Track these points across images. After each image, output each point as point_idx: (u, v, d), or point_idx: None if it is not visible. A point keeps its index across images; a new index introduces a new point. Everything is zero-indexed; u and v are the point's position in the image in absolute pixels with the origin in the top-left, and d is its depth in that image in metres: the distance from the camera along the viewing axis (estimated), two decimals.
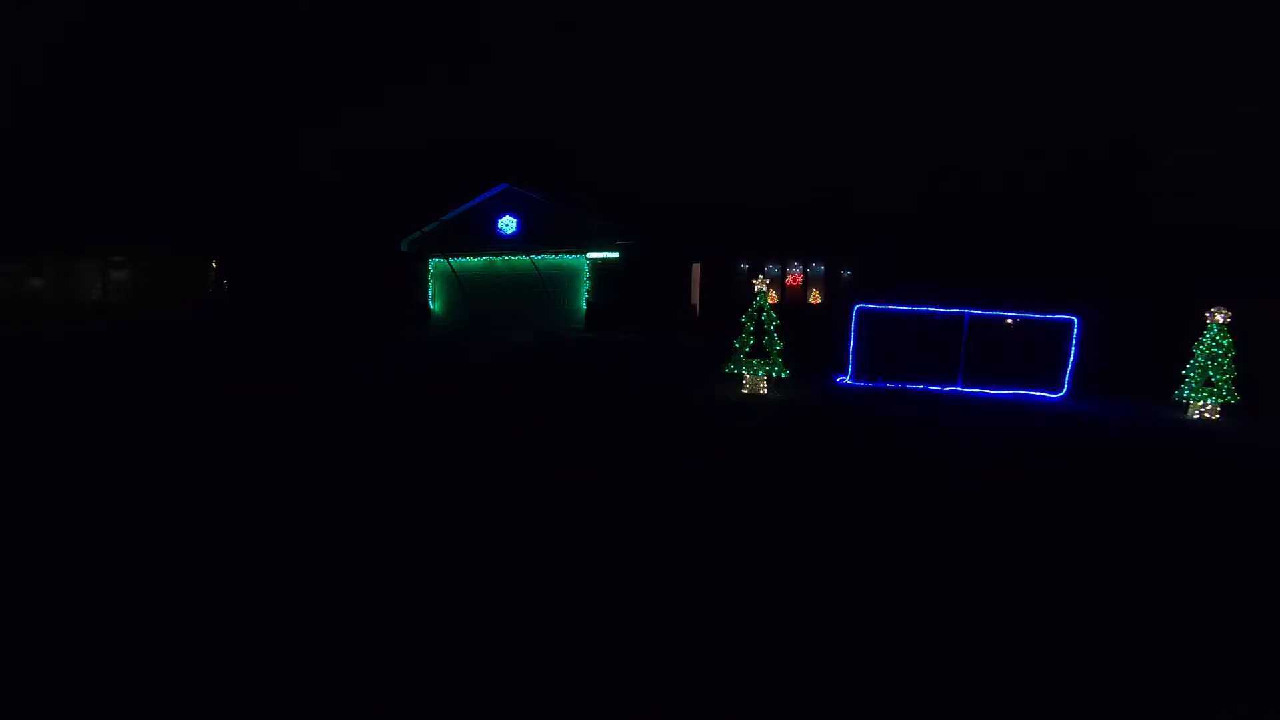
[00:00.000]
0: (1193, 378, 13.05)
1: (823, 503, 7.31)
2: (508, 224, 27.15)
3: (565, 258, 26.93)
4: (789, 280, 27.36)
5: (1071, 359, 14.41)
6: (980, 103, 37.42)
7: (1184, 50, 42.12)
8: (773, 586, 5.31)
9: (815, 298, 27.24)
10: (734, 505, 7.13)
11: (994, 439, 10.72)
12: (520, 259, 27.36)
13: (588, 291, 26.76)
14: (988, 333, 14.91)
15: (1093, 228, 25.71)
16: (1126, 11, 46.31)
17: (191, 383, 14.08)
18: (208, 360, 17.51)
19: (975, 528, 6.76)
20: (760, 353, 14.08)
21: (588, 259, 26.59)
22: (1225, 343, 12.97)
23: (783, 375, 14.09)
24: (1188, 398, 13.09)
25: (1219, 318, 13.11)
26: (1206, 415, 12.90)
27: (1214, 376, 12.90)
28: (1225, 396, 12.84)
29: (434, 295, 28.89)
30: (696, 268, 27.87)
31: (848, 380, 15.28)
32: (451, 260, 28.12)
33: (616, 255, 26.14)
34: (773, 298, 20.87)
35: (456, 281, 28.28)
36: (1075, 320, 14.47)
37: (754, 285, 14.52)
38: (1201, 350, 13.09)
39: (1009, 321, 14.97)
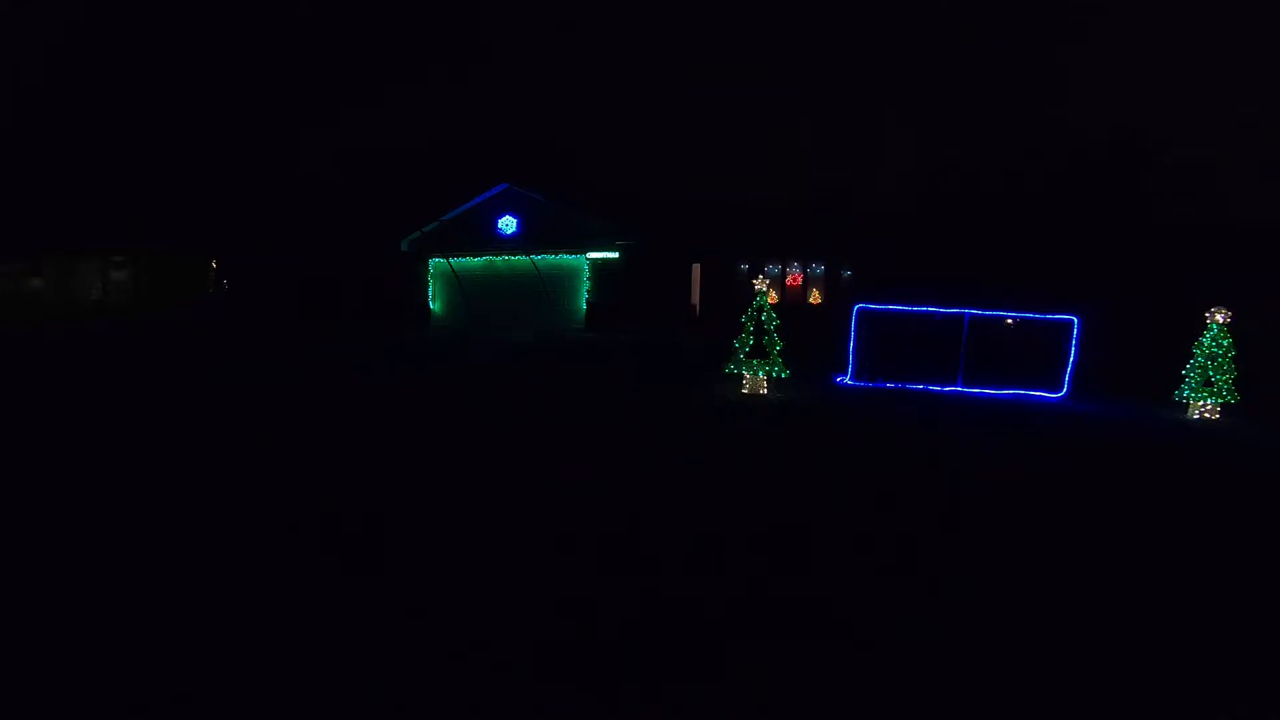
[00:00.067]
0: (1193, 378, 13.05)
1: (823, 503, 7.31)
2: (508, 224, 27.15)
3: (565, 258, 26.94)
4: (789, 280, 27.36)
5: (1071, 359, 14.41)
6: (980, 103, 37.43)
7: (1184, 50, 42.14)
8: (773, 586, 5.31)
9: (815, 298, 27.25)
10: (734, 505, 7.13)
11: (994, 439, 10.72)
12: (520, 259, 27.37)
13: (588, 291, 26.76)
14: (988, 333, 14.91)
15: (1093, 228, 25.71)
16: (1126, 11, 46.33)
17: (191, 383, 14.08)
18: (208, 360, 17.51)
19: (975, 528, 6.76)
20: (760, 353, 14.08)
21: (588, 259, 26.59)
22: (1225, 343, 12.97)
23: (783, 375, 14.09)
24: (1188, 398, 13.09)
25: (1219, 318, 13.11)
26: (1206, 415, 12.90)
27: (1214, 376, 12.90)
28: (1225, 396, 12.84)
29: (434, 295, 28.89)
30: (696, 268, 27.87)
31: (848, 380, 15.28)
32: (451, 260, 28.12)
33: (616, 255, 26.14)
34: (773, 298, 20.88)
35: (456, 281, 28.29)
36: (1075, 320, 14.47)
37: (754, 285, 14.52)
38: (1201, 350, 13.09)
39: (1009, 321, 14.97)
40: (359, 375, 15.42)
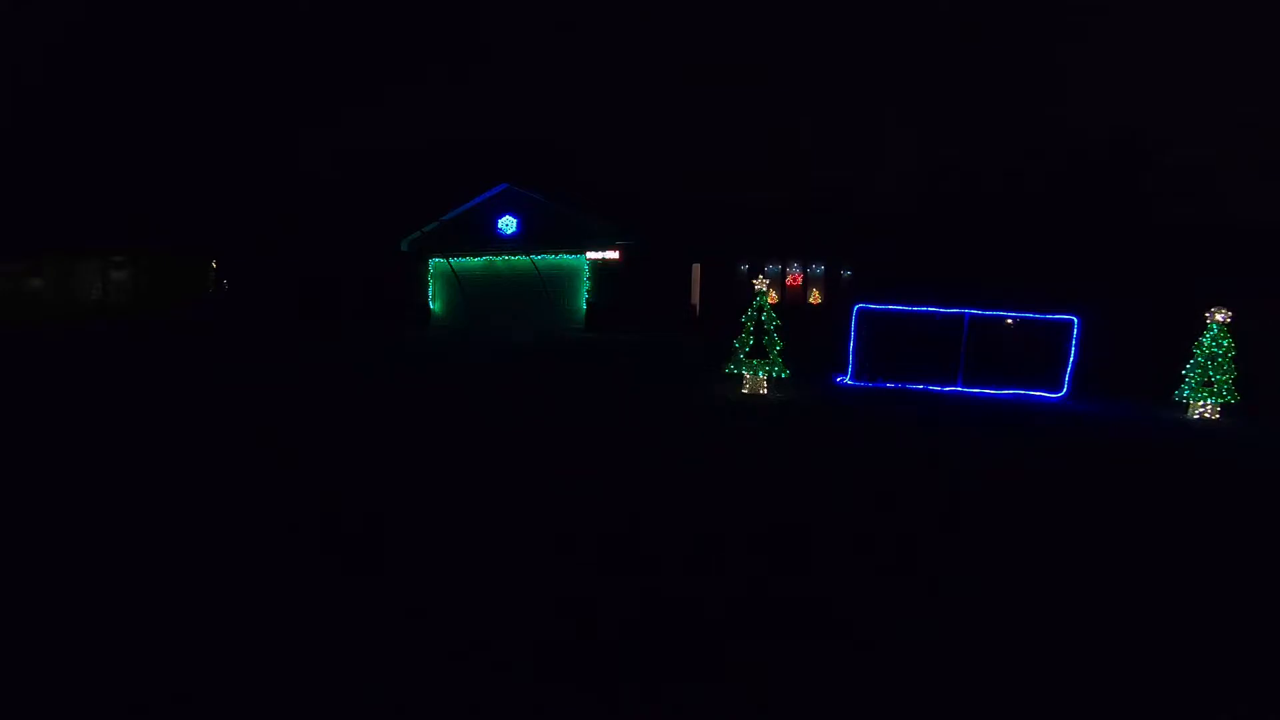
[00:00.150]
0: (1193, 378, 13.05)
1: (823, 503, 7.31)
2: (508, 224, 27.15)
3: (565, 258, 26.93)
4: (789, 280, 27.36)
5: (1071, 359, 14.41)
6: (980, 103, 37.43)
7: (1184, 50, 42.14)
8: (773, 586, 5.31)
9: (815, 298, 27.25)
10: (734, 505, 7.13)
11: (994, 439, 10.72)
12: (520, 259, 27.37)
13: (588, 291, 26.76)
14: (988, 333, 14.91)
15: (1093, 228, 25.71)
16: (1126, 11, 46.33)
17: (191, 383, 14.08)
18: (208, 360, 17.51)
19: (975, 528, 6.76)
20: (760, 353, 14.08)
21: (588, 259, 26.59)
22: (1225, 343, 12.97)
23: (783, 375, 14.09)
24: (1188, 398, 13.09)
25: (1219, 318, 13.11)
26: (1206, 415, 12.90)
27: (1214, 376, 12.90)
28: (1225, 396, 12.84)
29: (434, 295, 28.89)
30: (696, 268, 27.87)
31: (848, 380, 15.28)
32: (451, 260, 28.12)
33: (616, 255, 26.14)
34: (773, 298, 20.88)
35: (456, 281, 28.29)
36: (1075, 320, 14.47)
37: (754, 285, 14.52)
38: (1201, 350, 13.10)
39: (1009, 321, 14.97)
40: (359, 375, 15.42)
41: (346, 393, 13.25)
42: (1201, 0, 42.60)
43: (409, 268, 28.86)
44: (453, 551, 5.84)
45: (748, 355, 14.09)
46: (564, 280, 27.10)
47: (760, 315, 14.17)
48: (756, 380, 13.97)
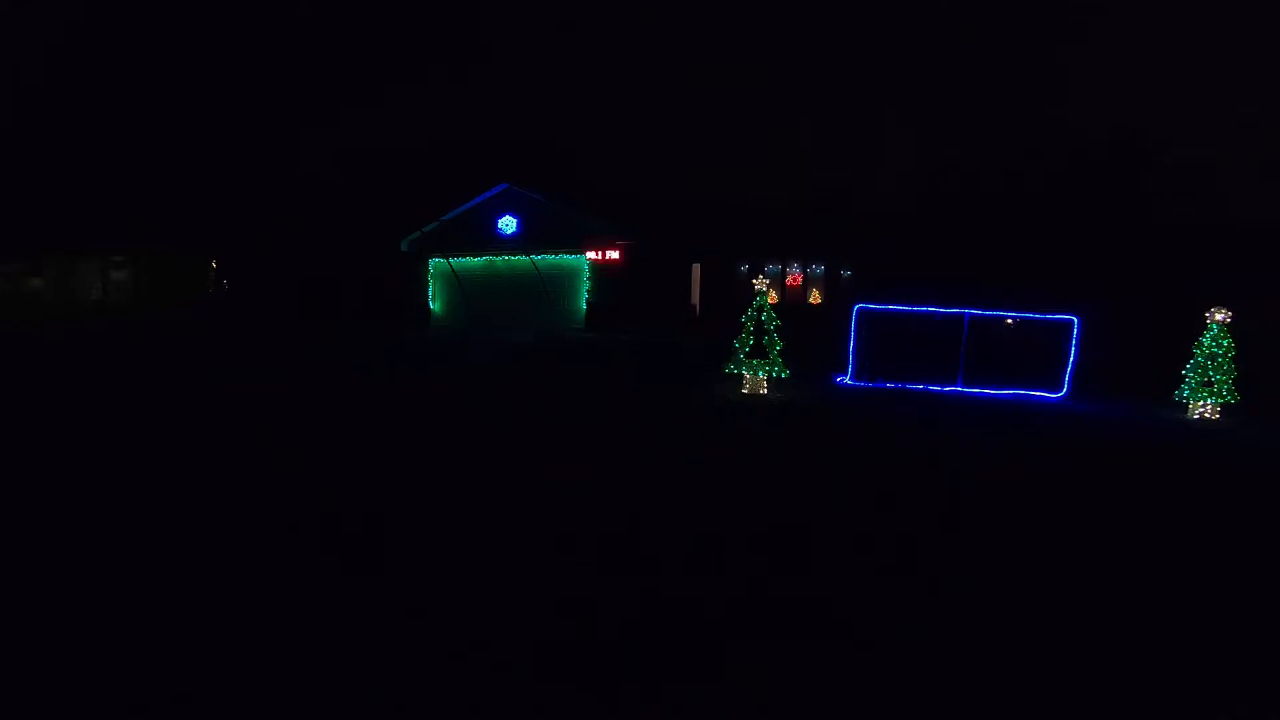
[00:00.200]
0: (1193, 378, 13.05)
1: (823, 503, 7.31)
2: (508, 224, 27.16)
3: (565, 258, 26.94)
4: (789, 280, 27.36)
5: (1071, 359, 14.40)
6: (980, 103, 37.43)
7: (1184, 50, 42.14)
8: (773, 586, 5.31)
9: (815, 298, 27.24)
10: (734, 505, 7.13)
11: (994, 439, 10.72)
12: (520, 259, 27.37)
13: (588, 291, 26.76)
14: (988, 333, 14.91)
15: (1093, 228, 25.71)
16: (1126, 11, 46.34)
17: (191, 383, 14.08)
18: (208, 360, 17.51)
19: (975, 528, 6.76)
20: (760, 353, 14.07)
21: (588, 259, 26.59)
22: (1225, 343, 12.96)
23: (783, 375, 14.09)
24: (1188, 398, 13.09)
25: (1219, 318, 13.11)
26: (1206, 415, 12.90)
27: (1214, 376, 12.90)
28: (1225, 396, 12.84)
29: (434, 295, 28.90)
30: (696, 268, 27.86)
31: (848, 380, 15.28)
32: (451, 260, 28.12)
33: (616, 255, 26.14)
34: (773, 298, 20.88)
35: (456, 281, 28.29)
36: (1075, 320, 14.47)
37: (754, 285, 14.52)
38: (1201, 350, 13.09)
39: (1009, 321, 14.97)
40: (359, 375, 15.42)
41: (346, 393, 13.25)
42: (1201, 0, 42.62)
43: (409, 268, 28.86)
44: (453, 551, 5.84)
45: (748, 355, 14.09)
46: (564, 280, 27.10)
47: (760, 315, 14.17)
48: (756, 380, 13.97)
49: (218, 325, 26.74)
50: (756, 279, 14.74)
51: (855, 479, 8.27)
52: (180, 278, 33.18)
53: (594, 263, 26.53)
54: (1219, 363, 12.90)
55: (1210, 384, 12.93)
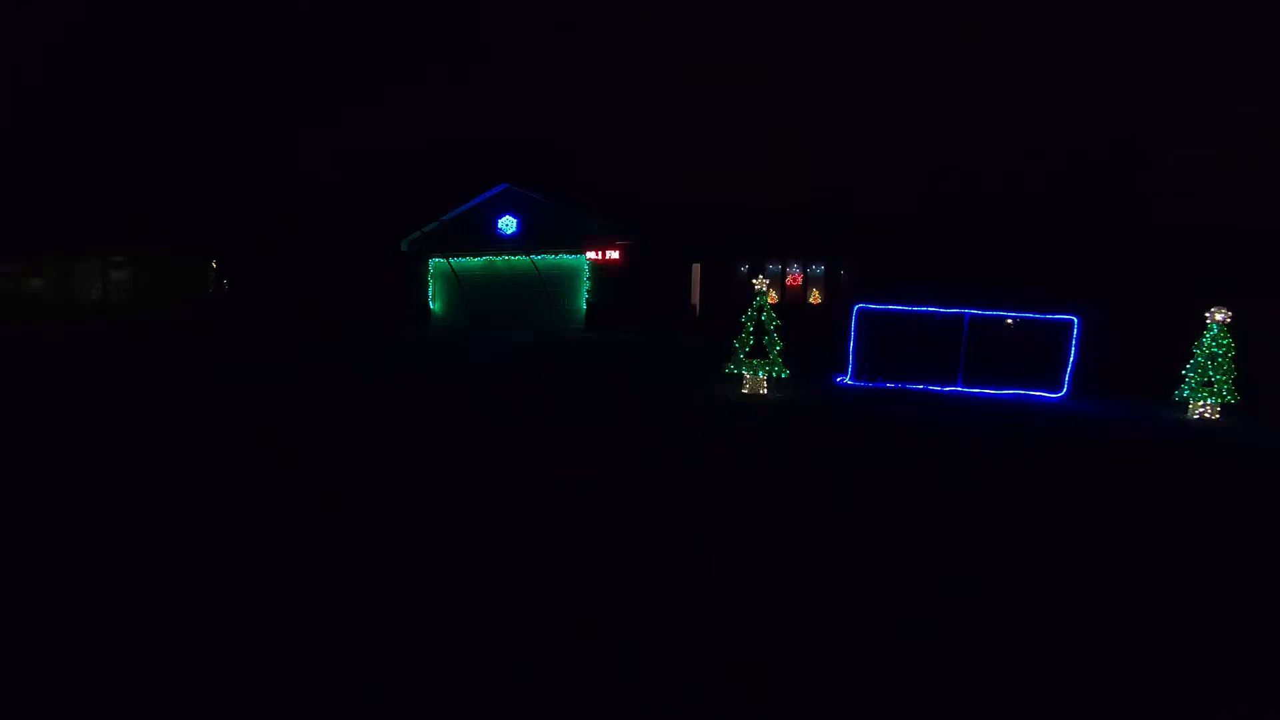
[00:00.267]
0: (1193, 378, 13.05)
1: (823, 503, 7.31)
2: (508, 224, 27.16)
3: (565, 258, 26.94)
4: (789, 280, 27.35)
5: (1071, 359, 14.40)
6: (980, 103, 37.43)
7: (1184, 50, 42.15)
8: (773, 586, 5.31)
9: (815, 298, 27.24)
10: (734, 505, 7.13)
11: (994, 439, 10.72)
12: (520, 259, 27.37)
13: (588, 291, 26.76)
14: (988, 333, 14.91)
15: (1093, 228, 25.70)
16: (1126, 11, 46.35)
17: (191, 383, 14.08)
18: (208, 360, 17.51)
19: (975, 528, 6.76)
20: (760, 353, 14.07)
21: (588, 259, 26.59)
22: (1225, 343, 12.96)
23: (783, 375, 14.09)
24: (1188, 398, 13.09)
25: (1219, 318, 13.11)
26: (1206, 415, 12.90)
27: (1214, 376, 12.90)
28: (1225, 396, 12.83)
29: (434, 295, 28.90)
30: (696, 268, 27.86)
31: (848, 380, 15.28)
32: (451, 260, 28.13)
33: (616, 255, 26.14)
34: (773, 298, 20.87)
35: (456, 281, 28.29)
36: (1075, 320, 14.46)
37: (754, 285, 14.52)
38: (1201, 350, 13.09)
39: (1009, 321, 14.97)
40: (359, 375, 15.42)
41: (346, 393, 13.25)
42: (1201, 0, 42.62)
43: (409, 268, 28.86)
44: (453, 551, 5.84)
45: (748, 355, 14.09)
46: (564, 280, 27.10)
47: (760, 315, 14.17)
48: (756, 380, 13.97)
49: (218, 325, 26.74)
50: (756, 279, 14.74)
51: (855, 479, 8.27)
52: (180, 278, 33.19)
53: (594, 263, 26.53)
54: (1219, 363, 12.90)
55: (1210, 384, 12.93)
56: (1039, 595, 5.34)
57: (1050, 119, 34.71)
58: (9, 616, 4.72)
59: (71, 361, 17.17)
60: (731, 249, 27.10)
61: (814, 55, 48.30)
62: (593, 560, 5.74)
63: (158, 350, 19.41)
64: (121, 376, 14.81)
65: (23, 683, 4.02)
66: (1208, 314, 13.22)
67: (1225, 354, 12.91)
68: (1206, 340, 13.08)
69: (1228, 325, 13.08)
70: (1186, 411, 13.12)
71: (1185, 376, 13.15)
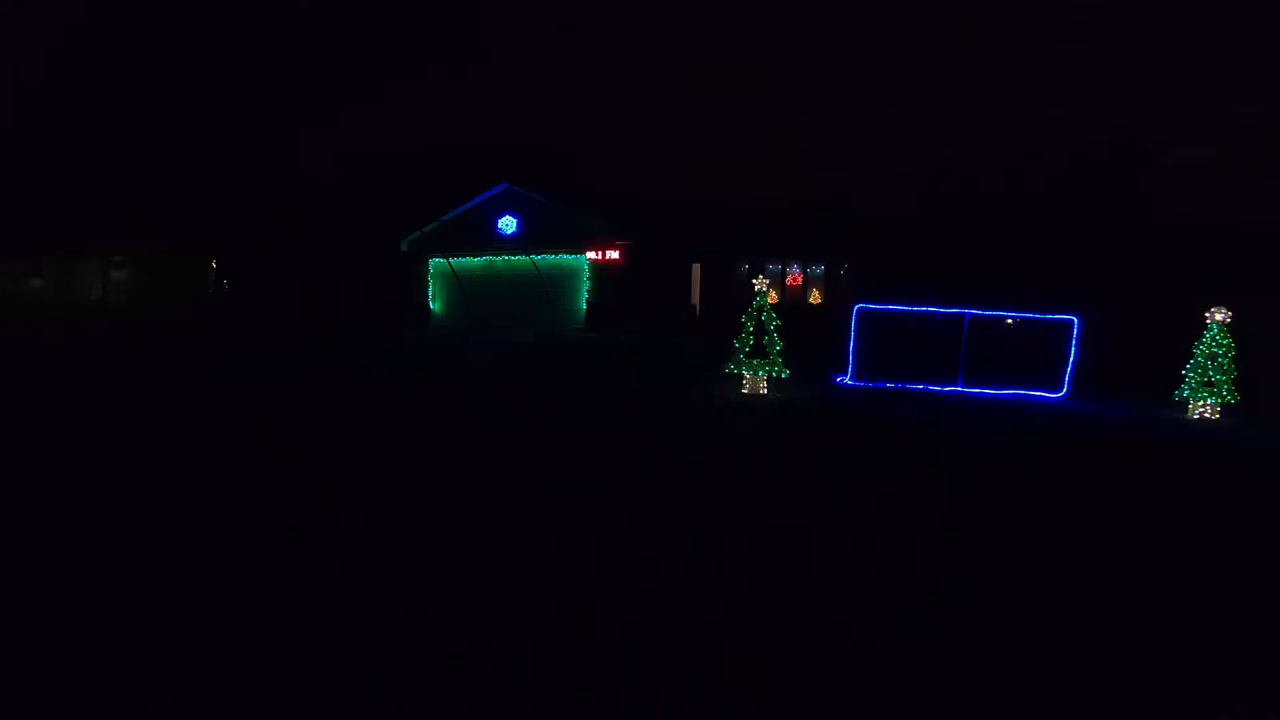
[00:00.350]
0: (1193, 378, 13.05)
1: (823, 503, 7.31)
2: (508, 224, 27.16)
3: (565, 258, 26.94)
4: (789, 280, 27.35)
5: (1071, 359, 14.40)
6: (980, 103, 37.44)
7: (1184, 50, 42.15)
8: (773, 586, 5.31)
9: (815, 298, 27.24)
10: (734, 505, 7.13)
11: (994, 439, 10.72)
12: (520, 259, 27.37)
13: (588, 291, 26.76)
14: (988, 333, 14.91)
15: (1093, 228, 25.70)
16: (1126, 11, 46.35)
17: (191, 383, 14.08)
18: (208, 360, 17.51)
19: (975, 528, 6.76)
20: (760, 353, 14.07)
21: (588, 259, 26.59)
22: (1225, 343, 12.96)
23: (783, 375, 14.08)
24: (1188, 398, 13.09)
25: (1219, 318, 13.11)
26: (1206, 415, 12.90)
27: (1214, 376, 12.90)
28: (1225, 396, 12.83)
29: (434, 295, 28.89)
30: (696, 268, 27.87)
31: (848, 380, 15.28)
32: (451, 260, 28.12)
33: (616, 255, 26.15)
34: (773, 298, 20.86)
35: (456, 281, 28.29)
36: (1075, 320, 14.46)
37: (754, 285, 14.52)
38: (1201, 350, 13.09)
39: (1009, 321, 14.97)
40: (359, 375, 15.42)
41: (346, 393, 13.25)
42: (1201, 0, 42.62)
43: (409, 268, 28.86)
44: (453, 551, 5.84)
45: (748, 355, 14.09)
46: (564, 280, 27.10)
47: (760, 315, 14.17)
48: (756, 380, 13.97)
49: (218, 325, 26.74)
50: (756, 279, 14.74)
51: (855, 479, 8.27)
52: (180, 278, 33.19)
53: (594, 263, 26.53)
54: (1219, 363, 12.90)
55: (1210, 384, 12.92)
56: (1039, 595, 5.34)
57: (1050, 119, 34.73)
58: (10, 616, 4.72)
59: (72, 361, 17.17)
60: (731, 249, 27.10)
61: (814, 55, 48.32)
62: (593, 560, 5.74)
63: (158, 350, 19.41)
64: (122, 376, 14.81)
65: (23, 683, 4.02)
66: (1208, 314, 13.21)
67: (1225, 354, 12.91)
68: (1206, 340, 13.08)
69: (1228, 325, 13.07)
70: (1186, 411, 13.12)
71: (1185, 376, 13.15)
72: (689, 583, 5.34)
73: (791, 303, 26.54)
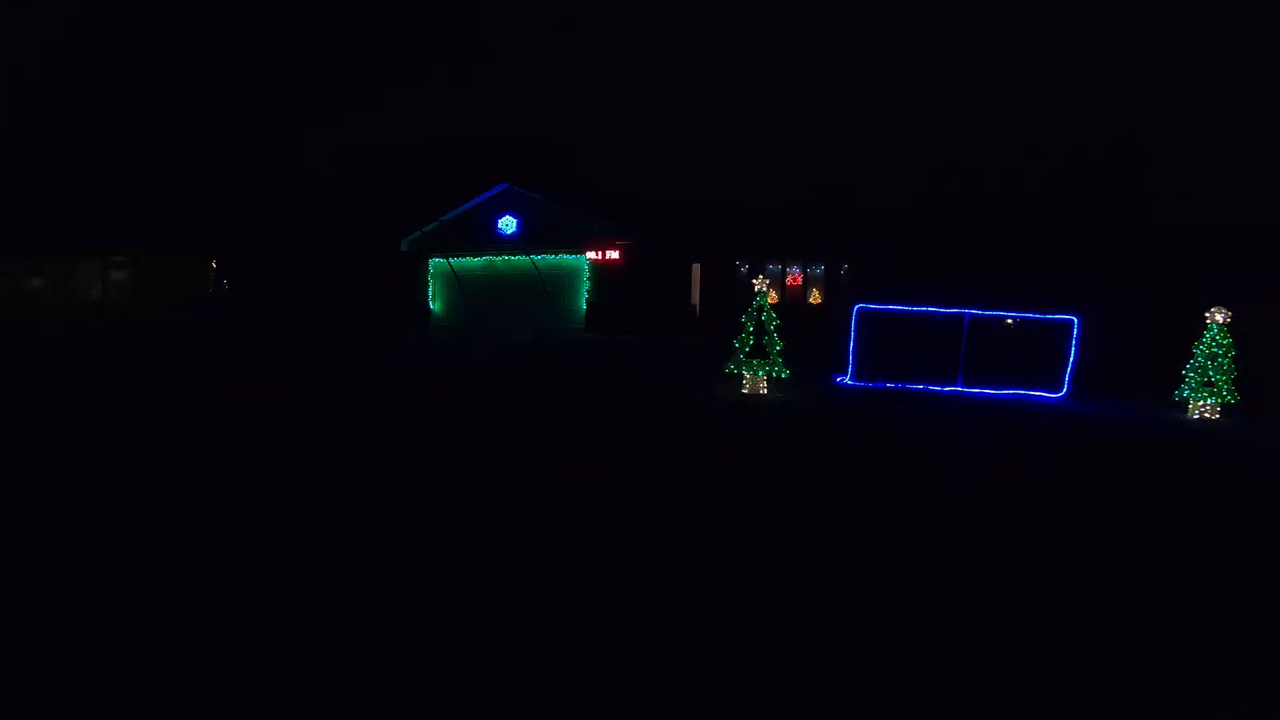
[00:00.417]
0: (1193, 378, 13.05)
1: (823, 503, 7.31)
2: (508, 224, 27.16)
3: (565, 258, 26.94)
4: (789, 280, 27.36)
5: (1071, 359, 14.40)
6: (980, 103, 37.44)
7: (1184, 50, 42.15)
8: (773, 586, 5.31)
9: (815, 298, 27.24)
10: (734, 505, 7.13)
11: (994, 439, 10.72)
12: (520, 259, 27.37)
13: (588, 291, 26.76)
14: (988, 333, 14.91)
15: (1093, 228, 25.70)
16: (1126, 11, 46.36)
17: (191, 382, 14.08)
18: (208, 360, 17.51)
19: (975, 528, 6.76)
20: (760, 353, 14.07)
21: (588, 259, 26.59)
22: (1225, 343, 12.96)
23: (783, 375, 14.08)
24: (1188, 398, 13.09)
25: (1219, 318, 13.11)
26: (1206, 415, 12.89)
27: (1214, 376, 12.89)
28: (1225, 396, 12.83)
29: (434, 295, 28.89)
30: (696, 268, 27.87)
31: (848, 380, 15.28)
32: (451, 260, 28.12)
33: (616, 255, 26.15)
34: (773, 298, 20.85)
35: (456, 281, 28.29)
36: (1075, 320, 14.46)
37: (754, 285, 14.52)
38: (1201, 350, 13.09)
39: (1009, 321, 14.97)
40: (359, 375, 15.42)
41: (346, 393, 13.25)
42: (1201, 0, 42.63)
43: (409, 268, 28.86)
44: (453, 551, 5.84)
45: (748, 355, 14.09)
46: (564, 280, 27.10)
47: (760, 315, 14.16)
48: (756, 380, 13.97)
49: (218, 325, 26.74)
50: (756, 279, 14.74)
51: (855, 479, 8.27)
52: (180, 278, 33.19)
53: (594, 263, 26.53)
54: (1219, 363, 12.90)
55: (1210, 384, 12.92)
56: (1039, 595, 5.34)
57: (1050, 119, 34.73)
58: (10, 616, 4.72)
59: (72, 361, 17.17)
60: (731, 249, 27.09)
61: (814, 55, 48.33)
62: (593, 560, 5.74)
63: (158, 350, 19.41)
64: (122, 376, 14.81)
65: (24, 683, 4.02)
66: (1208, 314, 13.21)
67: (1225, 354, 12.91)
68: (1206, 340, 13.08)
69: (1228, 325, 13.07)
70: (1186, 411, 13.12)
71: (1185, 376, 13.14)
72: (689, 583, 5.34)
73: (791, 303, 26.54)
